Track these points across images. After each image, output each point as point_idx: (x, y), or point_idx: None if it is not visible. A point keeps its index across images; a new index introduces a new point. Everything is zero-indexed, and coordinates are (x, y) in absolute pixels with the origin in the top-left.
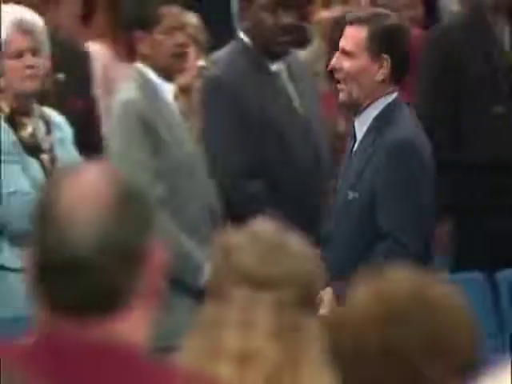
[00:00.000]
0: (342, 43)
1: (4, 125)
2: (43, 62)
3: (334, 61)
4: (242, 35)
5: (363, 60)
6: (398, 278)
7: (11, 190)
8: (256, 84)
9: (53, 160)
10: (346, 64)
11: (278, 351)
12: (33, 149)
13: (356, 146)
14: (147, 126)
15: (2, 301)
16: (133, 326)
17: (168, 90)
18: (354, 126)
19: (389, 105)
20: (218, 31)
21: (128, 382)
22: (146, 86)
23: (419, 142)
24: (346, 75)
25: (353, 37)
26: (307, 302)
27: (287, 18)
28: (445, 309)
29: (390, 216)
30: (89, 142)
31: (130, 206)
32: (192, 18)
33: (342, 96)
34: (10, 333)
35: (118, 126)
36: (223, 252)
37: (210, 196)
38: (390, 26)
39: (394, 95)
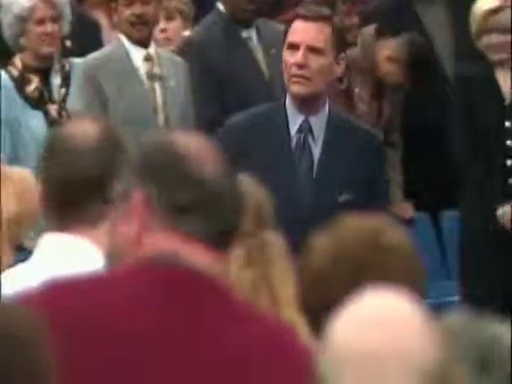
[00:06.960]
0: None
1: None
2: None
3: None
4: (219, 4)
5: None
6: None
7: None
8: (225, 46)
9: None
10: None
11: (251, 275)
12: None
13: (321, 142)
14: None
15: None
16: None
17: (137, 55)
18: (306, 122)
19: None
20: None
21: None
22: (112, 50)
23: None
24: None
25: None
26: (262, 219)
27: None
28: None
29: None
30: None
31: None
32: None
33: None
34: None
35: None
36: None
37: None
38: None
39: None
